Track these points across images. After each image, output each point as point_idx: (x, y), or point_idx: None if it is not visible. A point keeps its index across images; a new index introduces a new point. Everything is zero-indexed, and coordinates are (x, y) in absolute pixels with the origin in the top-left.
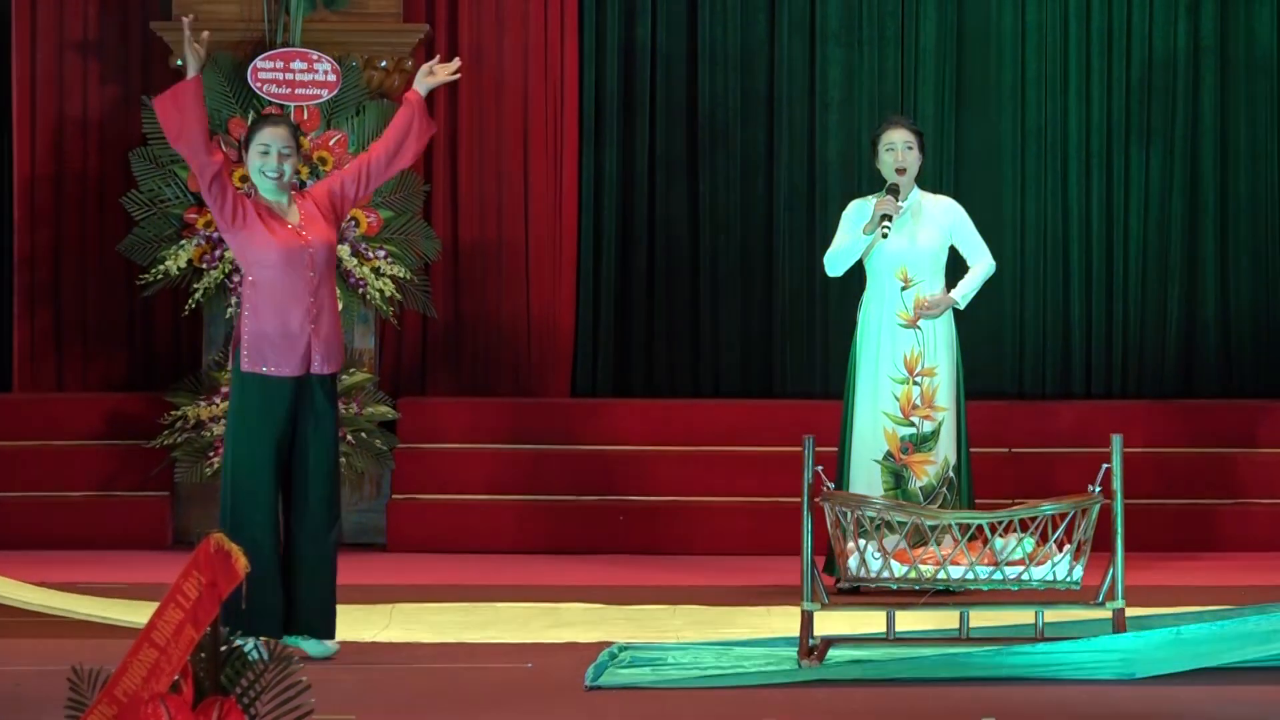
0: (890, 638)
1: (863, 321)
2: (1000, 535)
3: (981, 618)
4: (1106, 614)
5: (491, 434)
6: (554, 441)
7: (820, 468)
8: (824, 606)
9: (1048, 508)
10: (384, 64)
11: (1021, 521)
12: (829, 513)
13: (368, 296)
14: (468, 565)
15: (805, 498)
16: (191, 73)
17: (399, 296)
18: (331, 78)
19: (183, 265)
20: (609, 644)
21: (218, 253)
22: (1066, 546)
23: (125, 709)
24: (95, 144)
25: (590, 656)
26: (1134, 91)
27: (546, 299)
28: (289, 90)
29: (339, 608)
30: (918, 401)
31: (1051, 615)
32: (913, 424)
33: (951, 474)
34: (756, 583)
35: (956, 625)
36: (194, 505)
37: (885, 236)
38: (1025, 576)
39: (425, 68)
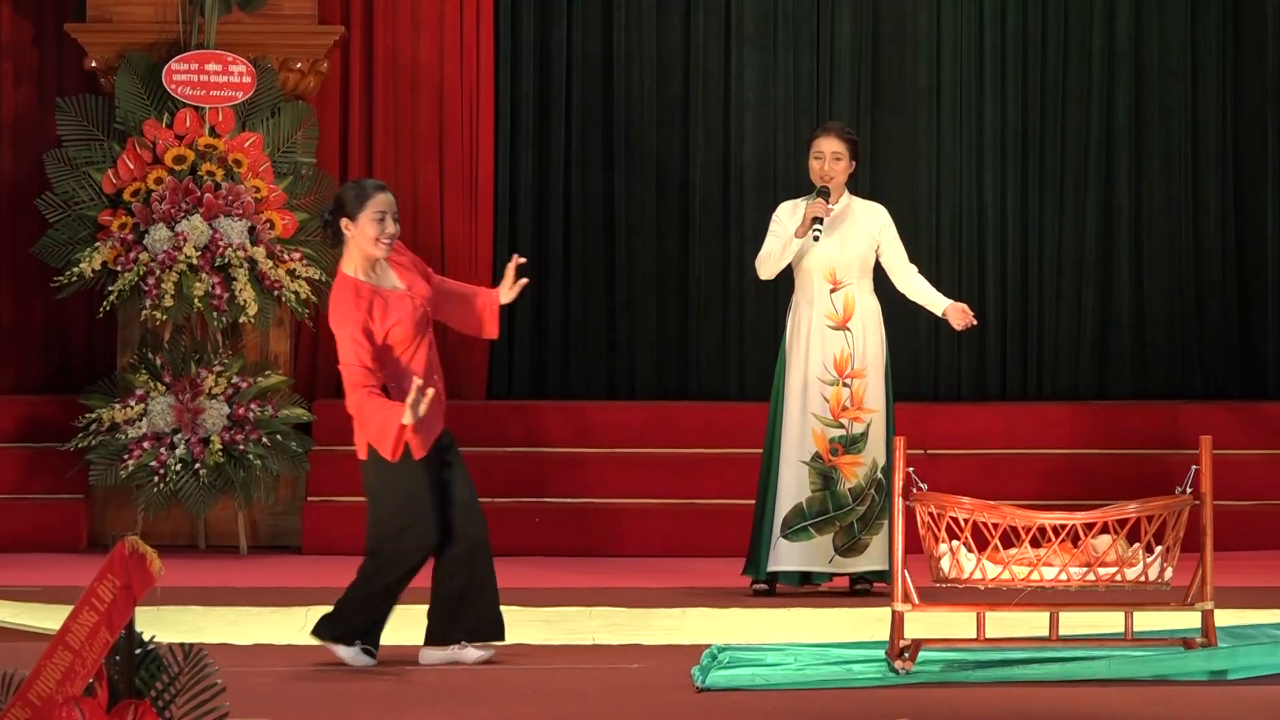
0: (980, 639)
1: (791, 323)
2: (1093, 537)
3: (1069, 620)
4: (1196, 615)
5: None
6: (470, 444)
7: (912, 469)
8: (914, 608)
9: (1135, 510)
10: (299, 65)
11: (1109, 523)
12: (920, 514)
13: (283, 299)
14: None
15: (897, 498)
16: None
17: (314, 299)
18: (246, 80)
19: (97, 268)
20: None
21: (133, 254)
22: (1157, 548)
23: (39, 712)
24: (9, 146)
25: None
26: (1049, 95)
27: None
28: (204, 92)
29: (252, 610)
30: (847, 403)
31: (1141, 617)
32: (842, 425)
33: (880, 475)
34: (672, 584)
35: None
36: (109, 508)
37: (816, 239)
38: (1119, 578)
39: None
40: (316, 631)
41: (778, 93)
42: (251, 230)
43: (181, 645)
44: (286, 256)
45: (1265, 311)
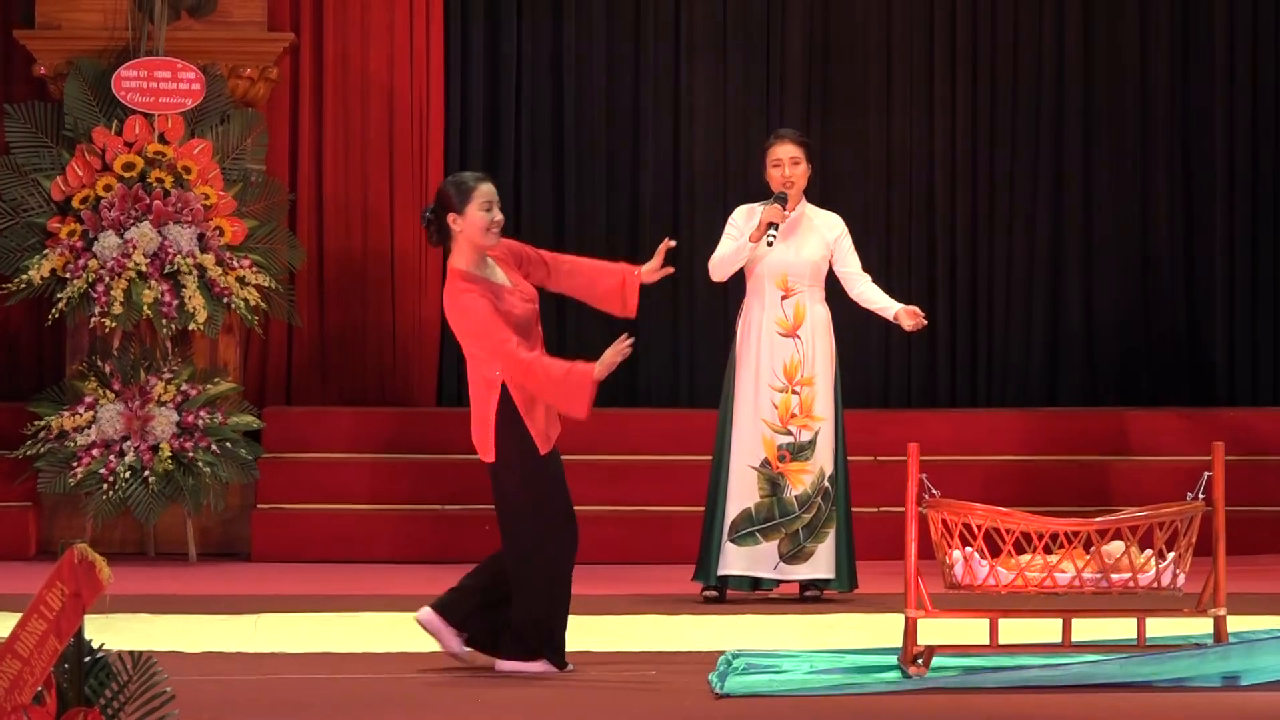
0: (994, 645)
1: (742, 328)
2: (1106, 542)
3: (1080, 627)
4: (1208, 621)
5: (357, 443)
6: (420, 450)
7: (925, 475)
8: (926, 614)
9: (1147, 517)
10: (249, 72)
11: (1119, 529)
12: (933, 521)
13: (233, 306)
14: (333, 575)
15: (909, 505)
16: (597, 374)
17: (264, 306)
18: (196, 87)
19: (46, 275)
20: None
21: (82, 261)
22: (1170, 554)
23: None
24: None
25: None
26: (999, 101)
27: (412, 307)
28: (153, 99)
29: (201, 618)
30: (795, 410)
31: (1154, 623)
32: (790, 433)
33: (828, 484)
34: (623, 591)
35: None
36: (58, 515)
37: (770, 245)
38: (1132, 584)
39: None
40: (506, 653)
41: (727, 100)
42: (201, 237)
43: (130, 653)
44: (236, 263)
45: (1214, 318)
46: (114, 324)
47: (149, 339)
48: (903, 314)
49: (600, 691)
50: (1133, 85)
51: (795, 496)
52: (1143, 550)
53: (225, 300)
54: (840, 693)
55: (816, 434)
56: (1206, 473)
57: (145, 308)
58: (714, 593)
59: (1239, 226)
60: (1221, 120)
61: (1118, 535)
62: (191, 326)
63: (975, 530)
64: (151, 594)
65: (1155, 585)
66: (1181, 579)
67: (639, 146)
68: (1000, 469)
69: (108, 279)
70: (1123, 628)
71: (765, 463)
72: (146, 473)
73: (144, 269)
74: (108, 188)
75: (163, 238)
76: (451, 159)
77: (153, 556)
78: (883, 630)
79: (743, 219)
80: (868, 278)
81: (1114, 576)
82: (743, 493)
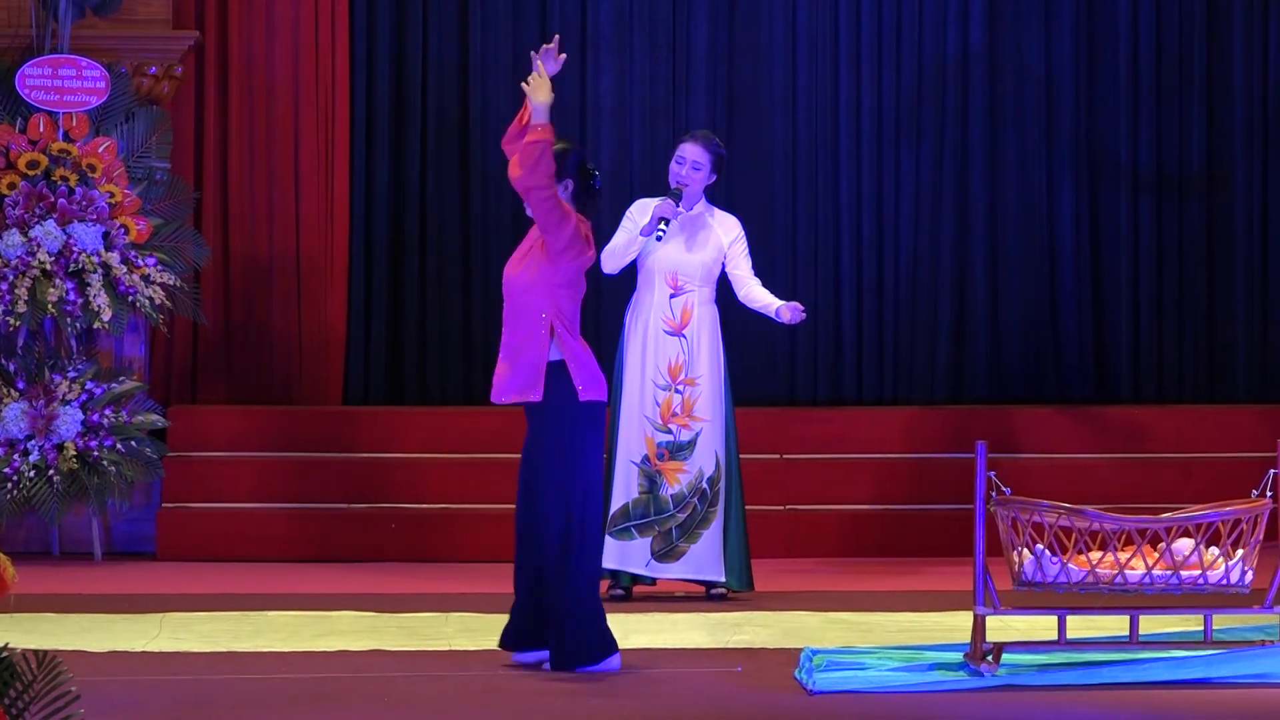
0: (1062, 642)
1: (629, 323)
2: (1174, 540)
3: (1147, 622)
4: (1275, 618)
5: (262, 442)
6: (325, 449)
7: (994, 474)
8: (995, 611)
9: (1215, 513)
10: (154, 70)
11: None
12: (1001, 518)
13: (138, 304)
14: (238, 573)
15: (978, 502)
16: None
17: (169, 304)
18: (100, 84)
19: None
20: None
21: None
22: (1238, 551)
23: None
24: None
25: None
26: (904, 99)
27: (318, 305)
28: (57, 97)
29: (106, 617)
30: (678, 409)
31: (1220, 620)
32: (670, 431)
33: (705, 485)
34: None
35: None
36: None
37: (659, 239)
38: (1201, 581)
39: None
40: (578, 664)
41: (634, 97)
42: (106, 236)
43: (35, 652)
44: (141, 262)
45: (1119, 317)
46: (18, 322)
47: (53, 337)
48: (783, 309)
49: (686, 688)
50: (1036, 81)
51: (671, 495)
52: (1208, 548)
53: (130, 299)
54: (924, 689)
55: (697, 434)
56: (1272, 470)
57: (50, 306)
58: (621, 592)
59: (1143, 226)
60: (1127, 114)
61: (1186, 533)
62: (96, 325)
63: (1045, 528)
64: (57, 593)
65: (1225, 582)
66: (1250, 576)
67: None
68: (906, 466)
69: (12, 277)
70: (1179, 624)
71: (645, 459)
72: (51, 472)
73: (48, 267)
74: (12, 185)
75: (67, 236)
76: (357, 157)
77: (58, 556)
78: (786, 630)
79: (639, 213)
80: (758, 281)
81: (1183, 574)
82: (624, 488)
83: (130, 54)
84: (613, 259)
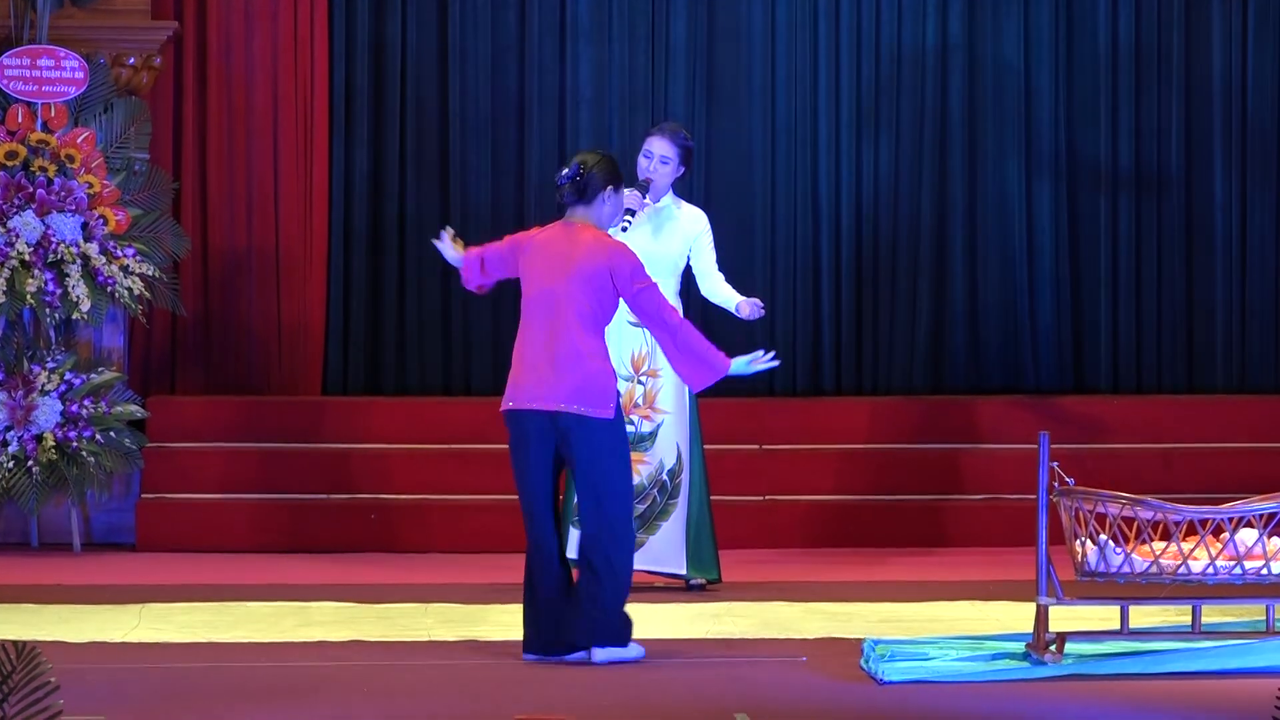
0: (1125, 632)
1: None
2: (1238, 530)
3: (1208, 611)
4: None
5: (242, 433)
6: (305, 440)
7: (1056, 464)
8: (1058, 602)
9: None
10: (132, 61)
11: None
12: (1064, 508)
13: (117, 295)
14: (217, 564)
15: (1041, 493)
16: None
17: (148, 295)
18: (79, 75)
19: None
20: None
21: None
22: None
23: None
24: None
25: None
26: (883, 89)
27: (297, 296)
28: (36, 88)
29: (85, 608)
30: (639, 401)
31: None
32: (632, 422)
33: (665, 477)
34: (507, 580)
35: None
36: None
37: (624, 230)
38: (1265, 571)
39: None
40: (604, 644)
41: (613, 87)
42: (84, 226)
43: (14, 643)
44: (120, 253)
45: (1097, 307)
46: None
47: (32, 328)
48: (743, 304)
49: (750, 674)
50: (1015, 71)
51: None
52: (1271, 538)
53: (109, 289)
54: (989, 679)
55: (659, 426)
56: None
57: (28, 297)
58: None
59: (1122, 216)
60: (1106, 105)
61: (1249, 524)
62: (75, 315)
63: (1108, 519)
64: (36, 584)
65: None
66: None
67: (524, 134)
68: (885, 456)
69: None
70: (1240, 614)
71: None
72: (30, 462)
73: (27, 258)
74: None
75: (46, 227)
76: (336, 147)
77: (37, 547)
78: (765, 620)
79: None
80: (721, 276)
81: (1247, 565)
82: None
83: (109, 44)
84: None
